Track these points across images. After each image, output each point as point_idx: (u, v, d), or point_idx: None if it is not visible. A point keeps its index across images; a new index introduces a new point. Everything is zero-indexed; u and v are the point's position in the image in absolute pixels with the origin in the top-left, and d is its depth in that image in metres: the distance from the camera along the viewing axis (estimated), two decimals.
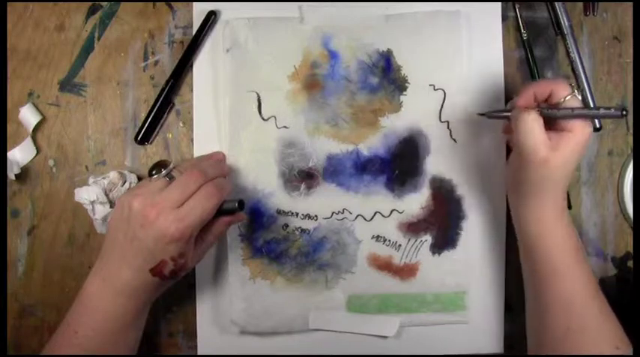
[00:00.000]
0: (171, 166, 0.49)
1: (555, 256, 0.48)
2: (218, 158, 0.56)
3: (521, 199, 0.50)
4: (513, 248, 0.55)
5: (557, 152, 0.46)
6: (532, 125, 0.46)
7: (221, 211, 0.49)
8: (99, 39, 0.58)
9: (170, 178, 0.48)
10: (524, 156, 0.47)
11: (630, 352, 0.46)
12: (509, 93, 0.58)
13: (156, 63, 0.58)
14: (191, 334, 0.58)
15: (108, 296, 0.48)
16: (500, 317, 0.58)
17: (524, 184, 0.49)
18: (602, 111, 0.46)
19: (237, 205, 0.50)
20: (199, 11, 0.57)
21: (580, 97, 0.48)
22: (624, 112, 0.44)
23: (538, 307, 0.50)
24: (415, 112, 0.57)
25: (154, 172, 0.49)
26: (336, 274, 0.57)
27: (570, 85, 0.47)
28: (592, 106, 0.56)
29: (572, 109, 0.47)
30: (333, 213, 0.57)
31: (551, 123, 0.47)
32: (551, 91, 0.47)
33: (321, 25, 0.57)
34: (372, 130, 0.57)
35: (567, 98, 0.47)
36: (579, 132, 0.46)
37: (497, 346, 0.58)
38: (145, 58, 0.58)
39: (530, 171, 0.47)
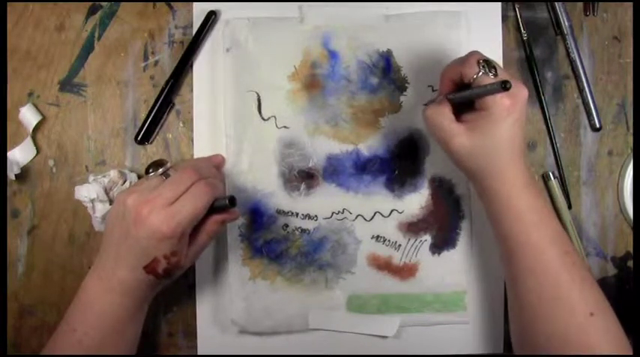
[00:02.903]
0: (167, 164, 0.49)
1: (518, 231, 0.47)
2: (217, 161, 0.56)
3: (473, 182, 0.50)
4: None
5: (475, 133, 0.45)
6: (433, 117, 0.47)
7: (213, 210, 0.49)
8: (99, 39, 0.58)
9: (166, 176, 0.49)
10: (442, 147, 0.48)
11: (607, 315, 0.46)
12: None
13: (156, 63, 0.58)
14: (191, 334, 0.58)
15: (104, 294, 0.48)
16: (500, 317, 0.58)
17: (465, 170, 0.49)
18: (485, 88, 0.44)
19: (227, 201, 0.49)
20: (199, 11, 0.57)
21: (490, 72, 0.45)
22: (506, 86, 0.42)
23: (511, 280, 0.49)
24: (415, 112, 0.57)
25: (150, 170, 0.49)
26: (336, 274, 0.57)
27: (478, 62, 0.45)
28: (592, 99, 0.57)
29: (456, 92, 0.47)
30: (333, 213, 0.57)
31: (472, 105, 0.47)
32: (461, 73, 0.46)
33: (321, 25, 0.57)
34: (372, 130, 0.57)
35: (477, 77, 0.45)
36: (493, 107, 0.44)
37: (497, 346, 0.58)
38: (145, 58, 0.58)
39: (457, 159, 0.47)
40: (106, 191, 0.55)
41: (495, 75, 0.45)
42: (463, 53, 0.56)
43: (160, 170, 0.49)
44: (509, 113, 0.45)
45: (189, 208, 0.46)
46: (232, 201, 0.49)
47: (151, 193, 0.46)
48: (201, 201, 0.47)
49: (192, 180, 0.48)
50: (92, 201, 0.54)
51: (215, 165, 0.56)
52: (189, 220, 0.47)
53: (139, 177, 0.57)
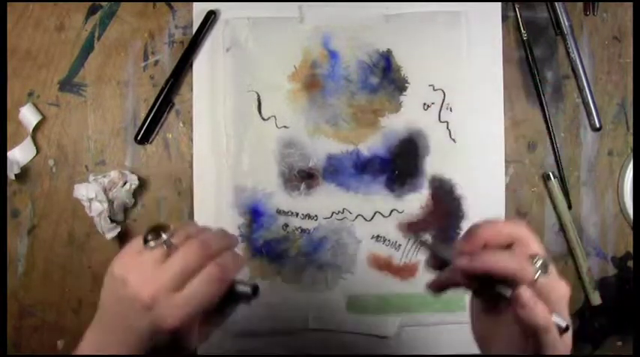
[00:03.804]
0: (169, 232, 0.40)
1: None
2: (229, 241, 0.45)
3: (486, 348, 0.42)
4: None
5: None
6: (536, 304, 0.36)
7: (232, 293, 0.42)
8: (99, 39, 0.58)
9: (168, 245, 0.40)
10: (532, 335, 0.37)
11: None
12: (509, 93, 0.58)
13: (156, 63, 0.58)
14: None
15: None
16: None
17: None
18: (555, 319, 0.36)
19: (250, 290, 0.42)
20: (199, 11, 0.57)
21: (545, 267, 0.36)
22: (567, 329, 0.36)
23: None
24: (415, 112, 0.57)
25: (149, 238, 0.40)
26: (336, 274, 0.57)
27: (535, 262, 0.36)
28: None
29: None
30: (333, 213, 0.57)
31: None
32: (513, 271, 0.36)
33: (321, 25, 0.57)
34: (372, 130, 0.57)
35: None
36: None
37: None
38: (145, 58, 0.58)
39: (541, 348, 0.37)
40: (106, 191, 0.55)
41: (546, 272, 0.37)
42: (463, 53, 0.56)
43: (162, 239, 0.40)
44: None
45: (199, 297, 0.39)
46: (255, 290, 0.42)
47: (154, 273, 0.39)
48: (214, 289, 0.40)
49: (201, 257, 0.40)
50: (90, 200, 0.54)
51: (226, 241, 0.44)
52: (201, 310, 0.39)
53: (139, 177, 0.57)
